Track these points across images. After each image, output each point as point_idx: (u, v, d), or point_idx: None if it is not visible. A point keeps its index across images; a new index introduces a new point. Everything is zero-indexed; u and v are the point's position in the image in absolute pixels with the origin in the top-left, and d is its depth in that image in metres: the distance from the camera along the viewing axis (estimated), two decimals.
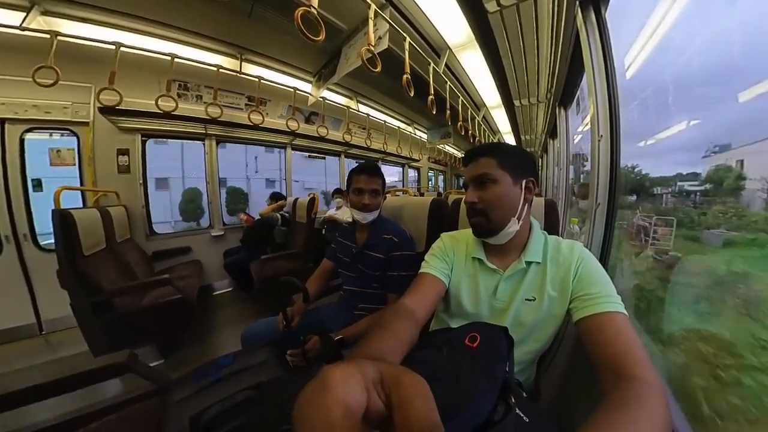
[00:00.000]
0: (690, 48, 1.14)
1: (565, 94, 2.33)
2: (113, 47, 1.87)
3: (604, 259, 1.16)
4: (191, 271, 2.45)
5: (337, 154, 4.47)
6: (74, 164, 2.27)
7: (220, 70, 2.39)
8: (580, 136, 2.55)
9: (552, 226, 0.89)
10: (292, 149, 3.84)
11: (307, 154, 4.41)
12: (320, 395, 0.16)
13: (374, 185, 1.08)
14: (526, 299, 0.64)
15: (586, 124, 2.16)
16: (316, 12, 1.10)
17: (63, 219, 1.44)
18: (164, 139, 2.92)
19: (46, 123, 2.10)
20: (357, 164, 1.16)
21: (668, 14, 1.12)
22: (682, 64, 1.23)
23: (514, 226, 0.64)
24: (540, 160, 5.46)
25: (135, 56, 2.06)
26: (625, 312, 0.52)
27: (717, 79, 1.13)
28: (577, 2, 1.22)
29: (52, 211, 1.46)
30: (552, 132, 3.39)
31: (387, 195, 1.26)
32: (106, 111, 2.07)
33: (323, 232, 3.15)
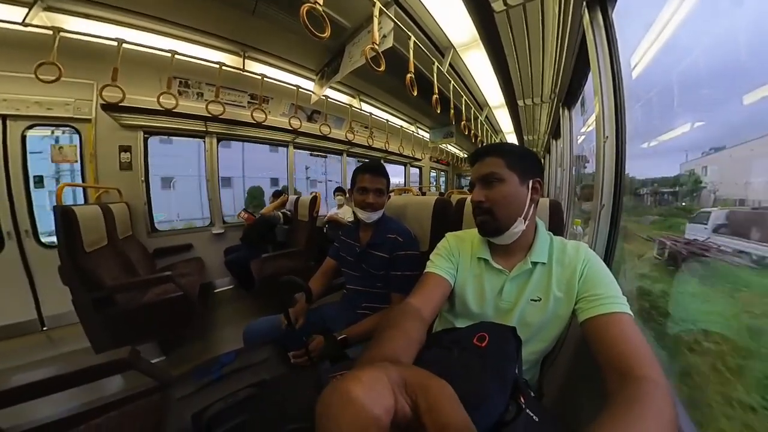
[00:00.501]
0: (697, 49, 1.13)
1: (570, 94, 2.32)
2: (115, 44, 1.87)
3: (608, 261, 1.15)
4: (193, 268, 2.45)
5: (339, 152, 4.47)
6: (76, 161, 2.27)
7: (223, 67, 2.39)
8: (583, 137, 2.54)
9: (556, 226, 0.89)
10: (295, 147, 3.84)
11: (308, 152, 4.41)
12: (346, 401, 0.15)
13: (379, 184, 1.07)
14: (531, 300, 0.63)
15: (590, 125, 2.15)
16: (321, 9, 1.09)
17: (65, 215, 1.44)
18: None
19: (48, 120, 2.10)
20: (360, 163, 1.15)
21: (675, 14, 1.11)
22: (688, 65, 1.22)
23: (520, 226, 0.64)
24: (542, 160, 5.44)
25: (137, 53, 2.06)
26: (631, 313, 0.51)
27: (723, 80, 1.12)
28: (584, 2, 1.21)
29: (54, 207, 1.46)
30: (555, 132, 3.38)
31: (390, 194, 1.26)
32: (109, 108, 2.06)
33: (325, 230, 3.16)
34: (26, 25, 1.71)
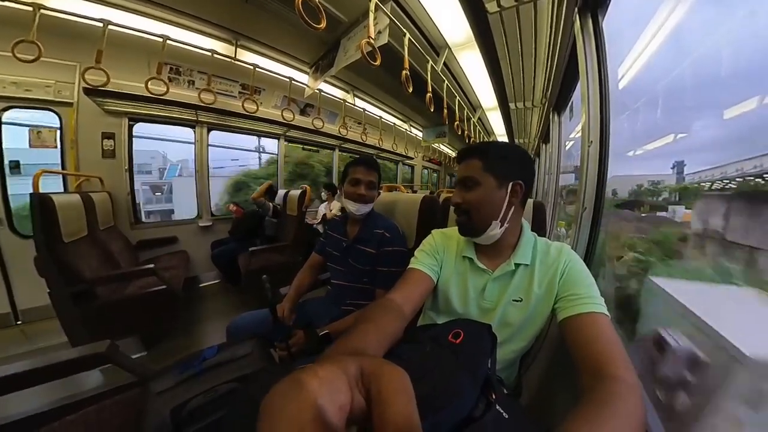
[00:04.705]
0: (682, 62, 1.18)
1: (560, 99, 2.36)
2: (101, 24, 1.79)
3: (589, 260, 1.19)
4: (177, 261, 2.39)
5: (331, 147, 4.43)
6: (56, 147, 2.18)
7: (214, 55, 2.32)
8: (571, 142, 2.60)
9: (539, 227, 0.91)
10: (286, 141, 3.78)
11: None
12: (295, 395, 0.15)
13: (371, 177, 1.08)
14: (513, 300, 0.65)
15: (578, 131, 2.20)
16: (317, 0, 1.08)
17: (42, 203, 1.38)
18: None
19: (26, 102, 2.00)
20: (352, 158, 1.16)
21: (662, 28, 1.15)
22: (673, 77, 1.27)
23: (495, 229, 0.65)
24: None
25: (124, 35, 1.98)
26: (608, 314, 0.53)
27: (702, 97, 1.18)
28: (576, 9, 1.23)
29: (31, 194, 1.40)
30: (545, 137, 3.44)
31: (380, 190, 1.26)
32: (92, 92, 1.98)
33: (314, 225, 3.16)
34: None
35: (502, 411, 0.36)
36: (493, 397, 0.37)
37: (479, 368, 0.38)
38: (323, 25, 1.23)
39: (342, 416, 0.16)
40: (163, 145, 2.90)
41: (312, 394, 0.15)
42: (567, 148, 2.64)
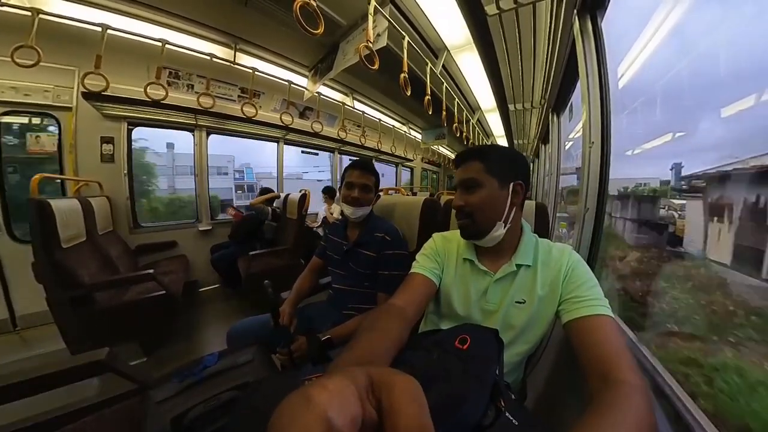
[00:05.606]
0: (680, 62, 1.18)
1: (559, 100, 2.37)
2: (99, 29, 1.79)
3: (592, 262, 1.18)
4: (177, 266, 2.38)
5: (331, 150, 4.43)
6: (54, 151, 2.17)
7: (213, 59, 2.32)
8: (571, 143, 2.61)
9: (542, 228, 0.91)
10: (285, 143, 3.78)
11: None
12: (304, 410, 0.14)
13: (365, 180, 1.08)
14: (516, 302, 0.64)
15: (578, 131, 2.21)
16: (315, 4, 1.08)
17: (40, 209, 1.37)
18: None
19: (24, 106, 2.00)
20: (351, 161, 1.16)
21: (660, 29, 1.15)
22: (670, 78, 1.28)
23: (500, 230, 0.65)
24: (531, 164, 5.55)
25: (123, 40, 1.98)
26: (613, 316, 0.53)
27: (702, 92, 1.18)
28: (575, 10, 1.24)
29: (29, 200, 1.39)
30: (544, 138, 3.45)
31: (380, 194, 1.26)
32: (91, 96, 1.97)
33: (318, 227, 3.17)
34: (3, 5, 1.62)
35: (511, 418, 0.36)
36: (502, 404, 0.36)
37: (487, 375, 0.37)
38: (321, 30, 1.23)
39: (353, 429, 0.15)
40: (234, 150, 3.09)
41: (321, 407, 0.14)
42: (566, 148, 2.65)
